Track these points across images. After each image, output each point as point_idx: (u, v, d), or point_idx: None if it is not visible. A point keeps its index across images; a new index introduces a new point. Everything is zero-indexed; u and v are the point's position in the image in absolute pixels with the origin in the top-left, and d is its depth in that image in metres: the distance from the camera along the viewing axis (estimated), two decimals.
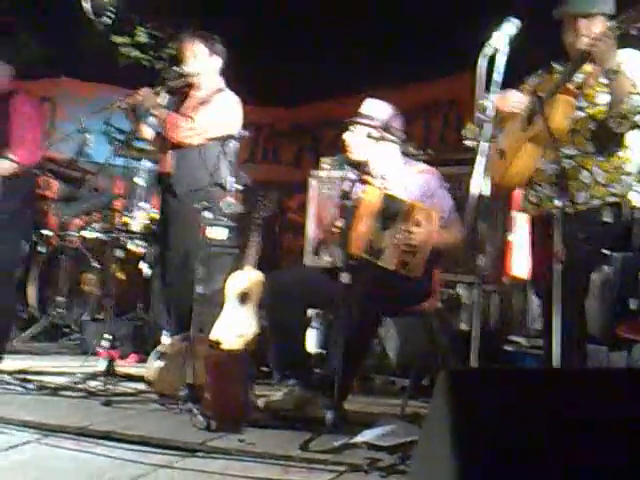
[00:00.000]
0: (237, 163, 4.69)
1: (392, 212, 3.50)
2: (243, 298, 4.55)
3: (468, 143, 4.37)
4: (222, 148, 4.03)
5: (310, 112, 7.50)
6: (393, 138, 3.72)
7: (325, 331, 4.57)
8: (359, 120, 3.74)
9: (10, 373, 4.04)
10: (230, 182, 4.50)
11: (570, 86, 3.21)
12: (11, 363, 4.42)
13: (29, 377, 4.02)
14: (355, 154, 3.78)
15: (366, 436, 2.96)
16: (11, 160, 4.25)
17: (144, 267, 5.63)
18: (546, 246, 3.04)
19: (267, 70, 7.60)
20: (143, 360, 4.45)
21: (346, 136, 3.78)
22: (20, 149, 4.33)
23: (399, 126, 3.78)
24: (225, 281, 4.69)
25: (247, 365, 3.42)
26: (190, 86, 4.57)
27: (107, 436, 2.95)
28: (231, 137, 4.09)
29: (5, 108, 4.39)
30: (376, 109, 3.76)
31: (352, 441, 2.93)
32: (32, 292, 5.77)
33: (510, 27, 2.92)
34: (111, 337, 4.07)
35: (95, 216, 6.13)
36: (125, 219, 5.64)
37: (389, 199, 3.53)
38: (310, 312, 4.54)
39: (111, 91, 6.81)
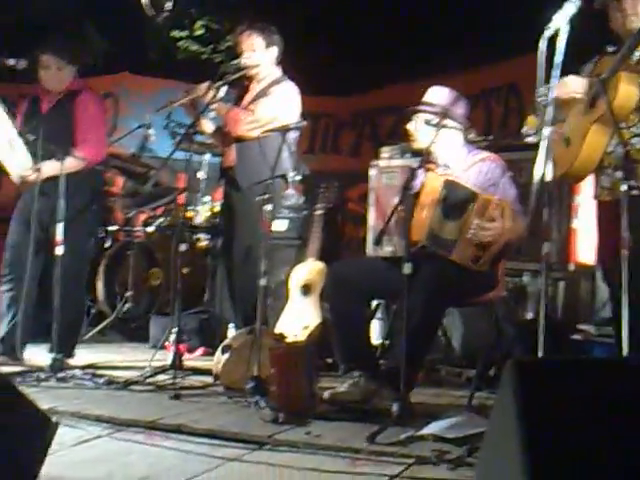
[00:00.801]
0: (297, 154, 4.71)
1: (455, 200, 3.45)
2: (306, 290, 4.57)
3: (530, 139, 4.31)
4: (283, 139, 4.04)
5: (369, 100, 7.47)
6: (454, 125, 3.67)
7: (389, 322, 4.55)
8: (420, 107, 3.70)
9: (81, 368, 4.14)
10: (291, 174, 4.52)
11: (631, 63, 3.13)
12: (81, 358, 4.53)
13: (99, 372, 4.12)
14: (418, 142, 3.73)
15: (433, 428, 2.94)
16: (77, 157, 4.32)
17: (208, 261, 5.70)
18: (613, 232, 2.97)
19: (326, 59, 7.61)
20: (210, 353, 4.50)
21: (409, 124, 3.74)
22: (86, 146, 4.41)
23: (463, 112, 3.71)
24: (288, 273, 4.72)
25: (312, 357, 3.43)
26: (249, 78, 4.60)
27: (177, 430, 3.01)
28: (291, 128, 4.10)
29: (70, 106, 4.47)
30: (438, 95, 3.71)
31: (419, 433, 2.93)
32: (100, 287, 5.89)
33: (571, 7, 2.86)
34: (178, 331, 4.12)
35: (159, 211, 6.23)
36: (189, 213, 5.72)
37: (452, 186, 3.49)
38: (374, 303, 4.53)
39: (171, 85, 6.90)
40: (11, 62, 4.19)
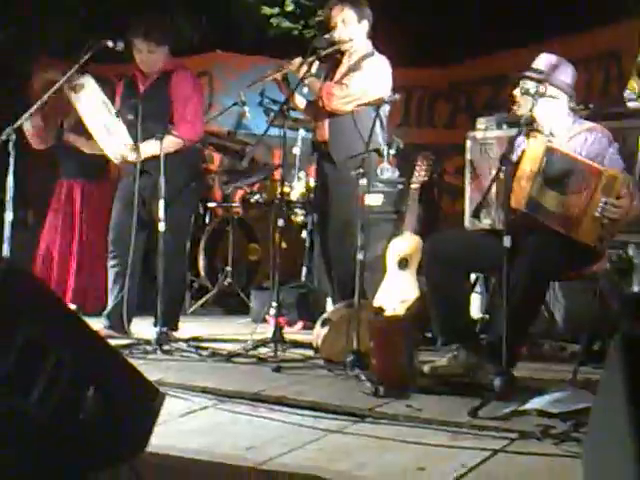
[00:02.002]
0: (390, 127, 4.69)
1: (557, 168, 3.36)
2: (403, 264, 4.56)
3: (631, 105, 4.14)
4: (376, 113, 4.02)
5: (464, 71, 7.33)
6: (556, 92, 3.56)
7: (488, 296, 4.50)
8: (523, 74, 3.60)
9: (185, 341, 4.26)
10: (385, 147, 4.50)
11: None
12: (185, 331, 4.65)
13: (202, 344, 4.23)
14: (522, 109, 3.63)
15: (537, 403, 2.91)
16: (175, 136, 4.42)
17: (305, 236, 5.75)
18: None
19: (419, 29, 7.52)
20: (310, 327, 4.56)
21: (515, 90, 3.64)
22: (183, 125, 4.50)
23: (568, 80, 3.59)
24: (385, 247, 4.72)
25: (411, 331, 3.43)
26: (341, 53, 4.59)
27: (280, 401, 3.06)
28: (383, 101, 4.08)
29: (166, 86, 4.57)
30: (542, 62, 3.60)
31: (522, 408, 2.89)
32: (201, 262, 6.03)
33: None
34: (278, 305, 4.18)
35: (256, 187, 6.31)
36: (285, 189, 5.78)
37: (554, 154, 3.39)
38: (473, 276, 4.48)
39: (264, 62, 6.92)
40: (109, 43, 4.30)
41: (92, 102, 4.39)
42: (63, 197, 5.56)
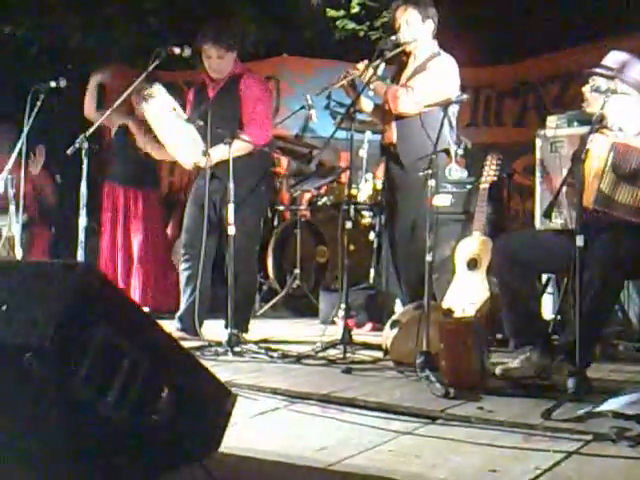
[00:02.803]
0: (458, 127, 4.65)
1: (627, 163, 3.29)
2: (473, 264, 4.52)
3: None
4: (444, 114, 3.99)
5: (532, 68, 7.22)
6: (627, 90, 3.48)
7: (560, 297, 4.42)
8: (593, 71, 3.54)
9: (255, 342, 4.30)
10: (453, 148, 4.47)
11: None
12: (256, 333, 4.70)
13: (273, 346, 4.27)
14: (592, 106, 3.57)
15: (612, 404, 2.84)
16: (244, 140, 4.47)
17: (372, 237, 5.75)
18: None
19: (486, 28, 7.44)
20: (379, 328, 4.56)
21: (584, 87, 3.59)
22: (252, 129, 4.55)
23: (639, 77, 3.52)
24: (454, 248, 4.68)
25: (481, 332, 3.40)
26: (406, 54, 4.58)
27: (350, 403, 3.07)
28: (450, 102, 4.05)
29: (235, 91, 4.62)
30: (611, 59, 3.53)
31: (597, 409, 2.84)
32: (270, 265, 6.08)
33: None
34: (347, 307, 4.19)
35: (323, 190, 6.34)
36: (352, 191, 5.79)
37: (622, 149, 3.32)
38: (544, 277, 4.42)
39: (330, 65, 6.95)
40: (177, 50, 4.37)
41: (161, 110, 4.46)
42: (120, 203, 5.65)
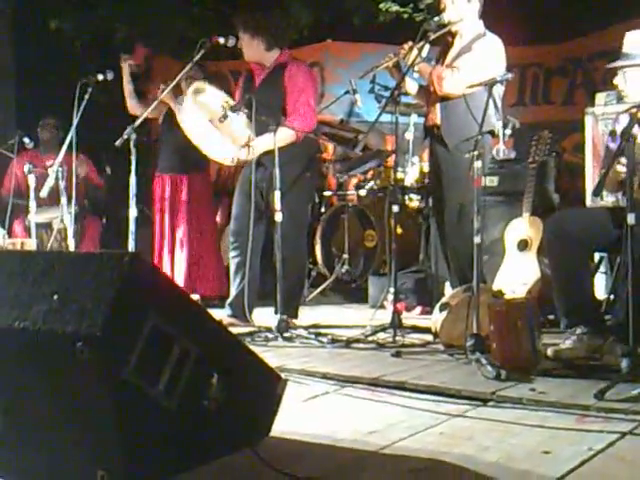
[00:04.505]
0: (504, 107, 4.59)
1: None
2: (523, 245, 4.47)
3: None
4: (488, 94, 3.94)
5: (580, 46, 7.09)
6: None
7: (613, 276, 4.36)
8: (620, 62, 3.46)
9: (305, 328, 4.32)
10: (500, 128, 4.41)
11: None
12: (305, 318, 4.72)
13: (322, 331, 4.28)
14: (629, 96, 3.50)
15: None
16: (289, 128, 4.47)
17: (420, 220, 5.72)
18: None
19: (532, 6, 7.33)
20: (428, 312, 4.54)
21: (615, 80, 3.52)
22: (296, 117, 4.55)
23: None
24: (503, 229, 4.64)
25: (532, 313, 3.36)
26: (451, 35, 4.53)
27: (401, 386, 3.07)
28: (496, 81, 3.99)
29: (279, 79, 4.62)
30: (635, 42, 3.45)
31: None
32: (318, 251, 6.10)
33: None
34: (396, 290, 4.18)
35: (370, 174, 6.32)
36: (399, 174, 5.76)
37: None
38: (597, 256, 4.35)
39: (374, 49, 6.91)
40: (221, 40, 4.39)
41: (195, 112, 4.46)
42: (167, 191, 5.69)
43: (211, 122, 4.44)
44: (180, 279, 5.52)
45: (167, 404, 2.00)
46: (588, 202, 4.84)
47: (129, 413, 1.93)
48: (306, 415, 2.76)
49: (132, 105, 5.61)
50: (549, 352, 3.41)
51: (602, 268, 4.54)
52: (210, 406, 2.13)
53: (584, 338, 3.41)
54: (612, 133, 3.60)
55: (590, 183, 4.94)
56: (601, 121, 4.99)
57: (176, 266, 5.60)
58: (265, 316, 4.60)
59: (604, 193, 4.19)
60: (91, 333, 1.84)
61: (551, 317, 4.07)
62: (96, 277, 1.97)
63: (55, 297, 1.96)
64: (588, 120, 5.05)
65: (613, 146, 3.46)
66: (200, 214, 5.68)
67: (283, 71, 4.63)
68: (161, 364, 2.00)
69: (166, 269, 5.54)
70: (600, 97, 5.06)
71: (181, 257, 5.61)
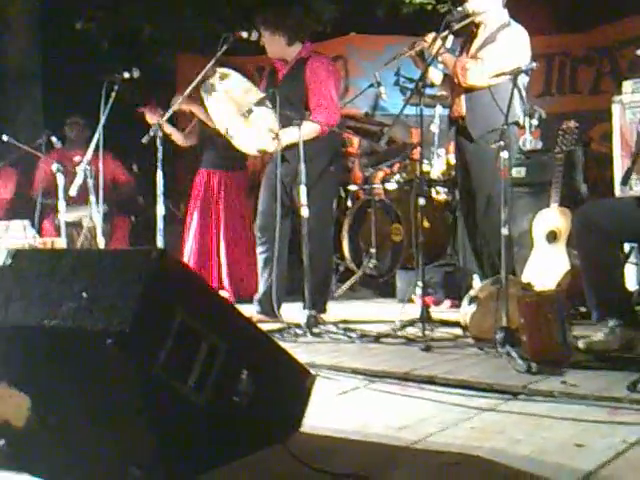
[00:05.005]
0: (530, 97, 4.55)
1: None
2: (552, 237, 4.43)
3: None
4: (513, 84, 3.90)
5: (606, 34, 7.01)
6: None
7: None
8: None
9: (334, 323, 4.31)
10: (525, 118, 4.38)
11: None
12: (334, 313, 4.71)
13: (351, 326, 4.27)
14: None
15: None
16: (312, 122, 4.46)
17: (448, 213, 5.69)
18: None
19: None
20: (457, 305, 4.51)
21: None
22: (319, 111, 4.53)
23: None
24: (531, 221, 4.60)
25: (562, 305, 3.32)
26: (475, 25, 4.49)
27: (430, 381, 3.05)
28: (521, 71, 3.95)
29: (302, 73, 4.61)
30: None
31: None
32: (346, 246, 6.08)
33: None
34: (424, 284, 4.16)
35: (396, 167, 6.29)
36: (425, 167, 5.72)
37: None
38: (627, 247, 4.30)
39: (398, 41, 6.86)
40: (244, 34, 4.39)
41: (222, 101, 4.47)
42: (203, 187, 5.72)
43: (237, 109, 4.44)
44: (220, 278, 5.55)
45: (197, 400, 2.01)
46: (617, 192, 4.78)
47: (159, 409, 1.94)
48: (336, 410, 2.75)
49: (181, 140, 5.69)
50: (580, 344, 3.37)
51: (632, 259, 4.49)
52: (240, 402, 2.13)
53: (616, 330, 3.37)
54: None
55: (618, 173, 4.88)
56: (629, 109, 4.92)
57: (215, 264, 5.64)
58: (294, 312, 4.60)
59: (633, 182, 4.14)
60: (120, 330, 1.85)
61: (582, 309, 4.04)
62: (124, 274, 1.98)
63: (84, 295, 1.98)
64: (615, 108, 4.99)
65: None
66: (236, 211, 5.69)
67: (305, 65, 4.63)
68: (190, 360, 2.01)
69: (201, 266, 5.57)
70: (627, 85, 4.99)
71: (220, 255, 5.64)
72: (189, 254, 5.69)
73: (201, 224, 5.70)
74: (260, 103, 4.47)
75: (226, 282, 5.63)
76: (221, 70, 4.51)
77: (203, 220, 5.70)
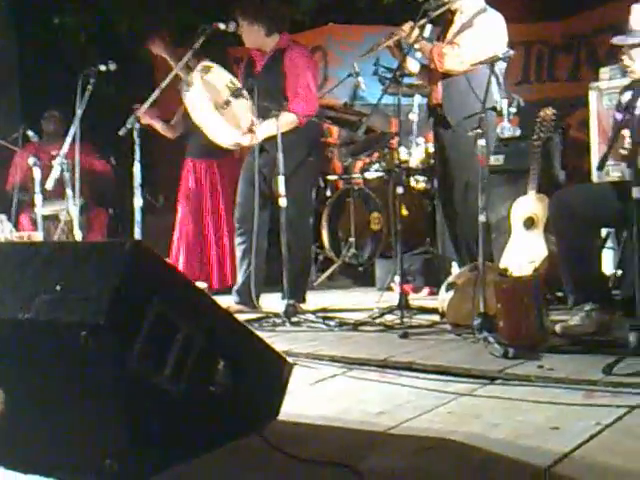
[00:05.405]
0: (508, 85, 4.56)
1: None
2: (530, 223, 4.46)
3: None
4: (490, 71, 3.91)
5: (584, 21, 7.04)
6: None
7: (620, 251, 4.34)
8: (622, 40, 3.43)
9: (313, 312, 4.33)
10: (503, 105, 4.39)
11: None
12: (313, 302, 4.72)
13: (330, 315, 4.29)
14: (637, 73, 3.48)
15: None
16: (293, 112, 4.46)
17: (427, 202, 5.71)
18: None
19: None
20: (435, 293, 4.54)
21: (624, 59, 3.49)
22: (297, 101, 4.54)
23: None
24: (509, 208, 4.62)
25: (539, 290, 3.35)
26: (452, 12, 4.49)
27: (408, 367, 3.07)
28: (498, 58, 3.96)
29: (280, 64, 4.61)
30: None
31: None
32: (325, 235, 6.09)
33: None
34: (402, 272, 4.18)
35: (375, 157, 6.30)
36: (403, 156, 5.74)
37: None
38: (604, 232, 4.33)
39: (376, 31, 6.84)
40: (221, 26, 4.38)
41: (200, 93, 4.44)
42: (191, 177, 5.71)
43: (215, 104, 4.42)
44: (213, 267, 5.57)
45: (173, 390, 2.00)
46: (594, 178, 4.82)
47: (135, 400, 1.93)
48: (314, 398, 2.76)
49: (167, 131, 5.68)
50: (557, 329, 3.41)
51: (609, 243, 4.52)
52: (217, 391, 2.13)
53: (592, 314, 3.40)
54: (619, 105, 3.58)
55: (595, 159, 4.90)
56: (606, 95, 4.95)
57: (205, 255, 5.63)
58: (273, 301, 4.61)
59: (610, 168, 4.17)
60: (95, 322, 1.84)
61: (559, 294, 4.07)
62: (99, 266, 1.97)
63: (58, 287, 1.97)
64: (592, 95, 5.01)
65: (620, 117, 3.44)
66: (225, 201, 5.67)
67: (283, 56, 4.62)
68: (166, 351, 2.00)
69: (192, 257, 5.58)
70: (604, 71, 5.02)
71: (211, 244, 5.63)
72: (178, 245, 5.68)
73: (189, 214, 5.69)
74: (238, 95, 4.46)
75: (214, 271, 5.63)
76: (204, 63, 4.49)
77: (191, 209, 5.69)
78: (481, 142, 3.60)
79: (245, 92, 4.48)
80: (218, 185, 5.69)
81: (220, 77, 4.51)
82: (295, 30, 6.00)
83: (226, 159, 5.70)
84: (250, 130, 4.43)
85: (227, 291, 5.02)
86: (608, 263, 4.44)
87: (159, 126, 5.62)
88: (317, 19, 7.96)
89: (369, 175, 6.23)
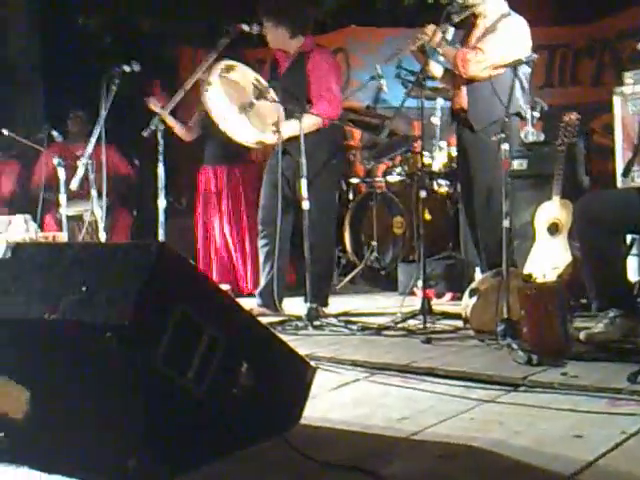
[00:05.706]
0: (531, 89, 4.53)
1: None
2: (554, 229, 4.42)
3: None
4: (514, 75, 3.89)
5: (608, 25, 6.99)
6: None
7: None
8: None
9: (335, 316, 4.32)
10: (527, 110, 4.36)
11: None
12: (335, 306, 4.72)
13: (352, 319, 4.28)
14: None
15: None
16: (314, 115, 4.46)
17: (449, 206, 5.69)
18: None
19: None
20: (458, 298, 4.52)
21: None
22: (321, 104, 4.53)
23: None
24: (533, 213, 4.59)
25: (563, 297, 3.32)
26: (475, 16, 4.47)
27: (431, 373, 3.06)
28: (521, 62, 3.94)
29: (303, 66, 4.61)
30: None
31: None
32: (347, 239, 6.08)
33: None
34: (425, 277, 4.16)
35: (398, 160, 6.28)
36: (426, 160, 5.72)
37: None
38: (629, 238, 4.29)
39: (399, 33, 6.84)
40: (245, 27, 4.38)
41: (220, 92, 4.44)
42: (208, 184, 5.73)
43: (241, 103, 4.43)
44: (229, 272, 5.62)
45: (196, 392, 2.01)
46: (619, 184, 4.77)
47: (159, 401, 1.95)
48: (336, 402, 2.76)
49: (183, 133, 5.70)
50: (581, 336, 3.37)
51: (634, 250, 4.48)
52: (240, 394, 2.14)
53: (616, 321, 3.37)
54: None
55: (620, 164, 4.86)
56: (630, 101, 4.90)
57: (225, 259, 5.65)
58: (296, 305, 4.61)
59: (635, 174, 4.13)
60: (120, 323, 1.86)
61: (583, 301, 4.03)
62: (124, 267, 1.99)
63: (84, 288, 1.98)
64: (616, 100, 4.95)
65: None
66: (243, 206, 5.69)
67: (307, 58, 4.63)
68: (190, 353, 2.01)
69: (213, 261, 5.60)
70: (628, 76, 4.96)
71: (230, 250, 5.66)
72: (203, 247, 5.72)
73: (211, 218, 5.72)
74: (261, 96, 4.47)
75: (238, 274, 5.66)
76: (226, 62, 4.50)
77: (213, 214, 5.71)
78: (505, 147, 3.59)
79: (272, 91, 4.49)
80: (240, 188, 5.71)
81: (245, 76, 4.52)
82: (317, 32, 6.00)
83: (245, 165, 5.72)
84: (274, 130, 4.43)
85: (250, 294, 5.03)
86: (633, 270, 4.40)
87: (176, 125, 5.64)
88: (338, 22, 7.96)
89: (391, 179, 6.22)
